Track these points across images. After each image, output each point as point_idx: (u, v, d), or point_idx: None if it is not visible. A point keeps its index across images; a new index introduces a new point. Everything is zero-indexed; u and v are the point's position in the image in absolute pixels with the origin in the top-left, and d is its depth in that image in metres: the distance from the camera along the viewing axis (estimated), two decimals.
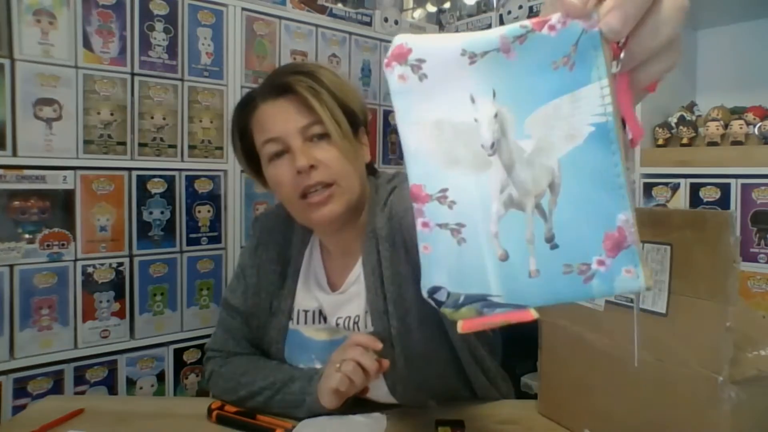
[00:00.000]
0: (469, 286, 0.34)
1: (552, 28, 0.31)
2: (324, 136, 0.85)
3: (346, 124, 0.86)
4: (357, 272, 0.92)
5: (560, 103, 0.32)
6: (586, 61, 0.31)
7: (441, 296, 0.34)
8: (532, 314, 0.34)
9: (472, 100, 0.33)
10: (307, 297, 0.97)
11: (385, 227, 0.87)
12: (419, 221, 0.34)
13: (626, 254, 0.32)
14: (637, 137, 0.33)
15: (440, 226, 0.34)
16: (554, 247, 0.33)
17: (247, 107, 0.92)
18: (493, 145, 0.33)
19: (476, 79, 0.33)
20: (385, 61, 0.34)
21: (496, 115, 0.33)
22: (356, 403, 0.85)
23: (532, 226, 0.33)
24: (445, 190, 0.34)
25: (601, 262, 0.32)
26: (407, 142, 0.34)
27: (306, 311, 0.96)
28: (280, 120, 0.86)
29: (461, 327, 0.34)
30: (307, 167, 0.83)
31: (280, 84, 0.87)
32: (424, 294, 0.34)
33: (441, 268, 0.34)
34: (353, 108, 0.90)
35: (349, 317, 0.91)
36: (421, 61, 0.33)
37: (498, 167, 0.33)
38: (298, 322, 0.96)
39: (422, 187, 0.34)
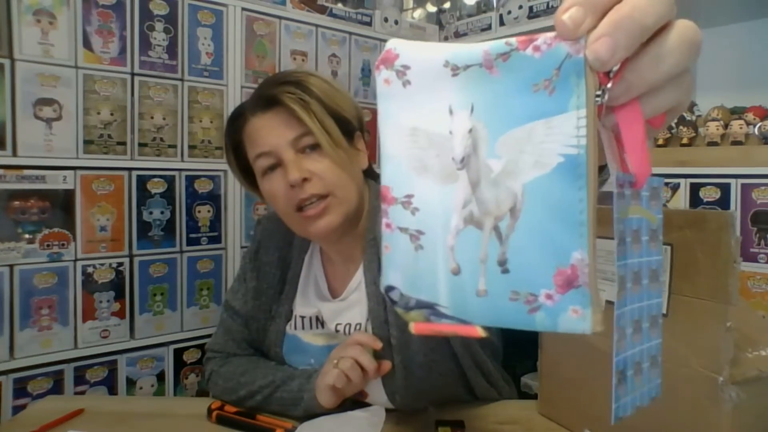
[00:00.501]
0: (420, 291, 0.35)
1: (537, 48, 0.30)
2: (316, 146, 0.84)
3: (337, 133, 0.84)
4: (358, 279, 0.91)
5: (534, 127, 0.31)
6: (566, 87, 0.30)
7: (394, 296, 0.35)
8: (479, 332, 0.34)
9: (450, 112, 0.33)
10: (305, 303, 0.97)
11: None
12: (384, 221, 0.35)
13: (575, 293, 0.32)
14: (640, 176, 0.32)
15: (401, 229, 0.35)
16: (505, 271, 0.33)
17: (237, 121, 0.90)
18: (463, 159, 0.33)
19: (456, 92, 0.33)
20: (376, 63, 0.35)
21: (470, 131, 0.33)
22: (355, 407, 0.85)
23: (486, 246, 0.33)
24: (410, 196, 0.34)
25: (548, 296, 0.32)
26: (384, 143, 0.35)
27: (303, 317, 0.95)
28: (270, 133, 0.85)
29: (413, 328, 0.35)
30: (300, 180, 0.82)
31: (268, 96, 0.85)
32: (381, 289, 0.36)
33: (397, 270, 0.35)
34: (345, 115, 0.87)
35: (350, 324, 0.90)
36: (406, 67, 0.34)
37: (464, 182, 0.33)
38: (295, 327, 0.96)
39: (390, 189, 0.35)
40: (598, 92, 0.30)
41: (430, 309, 0.34)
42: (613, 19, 0.29)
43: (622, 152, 0.33)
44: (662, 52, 0.31)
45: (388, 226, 0.35)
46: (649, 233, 0.35)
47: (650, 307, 0.35)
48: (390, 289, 0.35)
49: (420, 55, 0.34)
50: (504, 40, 0.31)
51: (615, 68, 0.30)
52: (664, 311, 0.66)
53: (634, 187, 0.33)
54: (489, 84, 0.32)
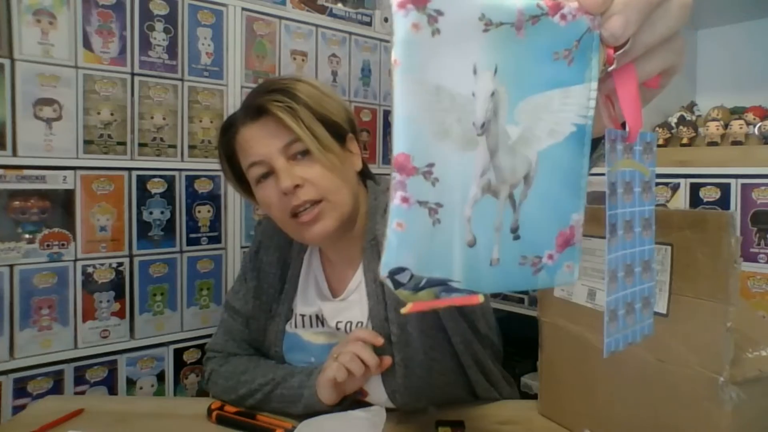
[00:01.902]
0: (433, 269, 0.32)
1: (563, 17, 0.31)
2: (306, 152, 0.84)
3: (327, 138, 0.85)
4: (358, 279, 0.92)
5: (552, 95, 0.32)
6: (583, 59, 0.32)
7: (403, 278, 0.31)
8: (479, 298, 0.34)
9: (474, 72, 0.30)
10: (306, 302, 0.97)
11: (385, 234, 0.87)
12: (398, 195, 0.30)
13: (571, 251, 0.35)
14: (633, 129, 0.34)
15: (420, 203, 0.31)
16: (517, 238, 0.33)
17: (229, 132, 0.91)
18: (483, 125, 0.31)
19: (483, 50, 0.30)
20: (398, 0, 0.28)
21: (492, 94, 0.31)
22: (355, 407, 0.85)
23: (501, 214, 0.33)
24: (432, 165, 0.30)
25: (550, 256, 0.34)
26: (402, 103, 0.29)
27: (304, 315, 0.96)
28: (260, 143, 0.85)
29: (409, 308, 0.33)
30: (292, 188, 0.82)
31: (256, 106, 0.86)
32: (384, 273, 0.31)
33: (411, 249, 0.31)
34: (335, 118, 0.88)
35: (351, 322, 0.91)
36: (440, 13, 0.29)
37: (483, 149, 0.32)
38: (296, 326, 0.96)
39: (411, 157, 0.30)
40: (603, 67, 0.32)
41: (442, 286, 0.32)
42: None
43: (611, 113, 0.35)
44: (656, 18, 0.33)
45: (405, 200, 0.30)
46: (641, 185, 0.37)
47: (642, 253, 0.38)
48: (398, 271, 0.31)
49: (457, 0, 0.29)
50: (536, 1, 0.31)
51: (628, 45, 0.32)
52: (664, 311, 0.66)
53: (627, 141, 0.34)
54: (515, 46, 0.31)
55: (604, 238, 0.78)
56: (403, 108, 0.29)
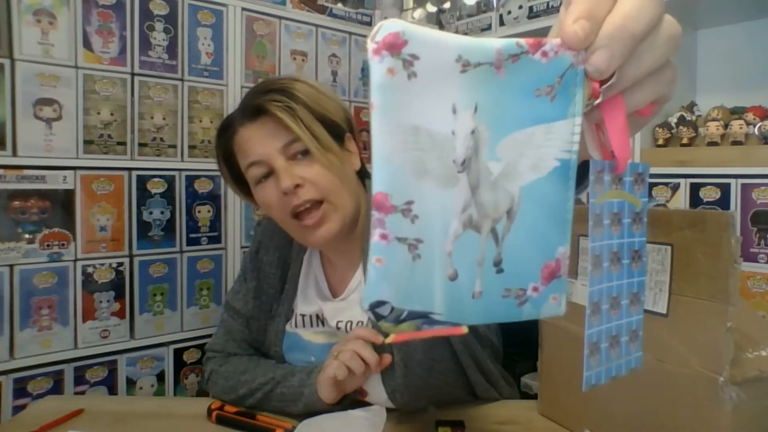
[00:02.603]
0: (413, 302, 0.33)
1: (545, 54, 0.31)
2: (306, 152, 0.84)
3: (326, 137, 0.84)
4: (358, 279, 0.92)
5: (535, 131, 0.32)
6: (567, 95, 0.32)
7: (384, 311, 0.32)
8: (463, 329, 0.34)
9: (454, 111, 0.31)
10: (306, 301, 0.97)
11: None
12: (377, 232, 0.31)
13: (557, 283, 0.35)
14: (621, 160, 0.33)
15: (399, 240, 0.31)
16: (500, 271, 0.34)
17: (227, 132, 0.91)
18: (464, 162, 0.32)
19: (462, 90, 0.31)
20: (373, 47, 0.29)
21: (473, 132, 0.32)
22: (355, 407, 0.85)
23: (484, 249, 0.33)
24: (410, 203, 0.31)
25: (535, 289, 0.35)
26: (380, 144, 0.30)
27: (304, 315, 0.96)
28: (259, 143, 0.85)
29: (392, 339, 0.34)
30: (292, 187, 0.82)
31: (254, 106, 0.85)
32: (365, 306, 0.31)
33: (391, 283, 0.32)
34: (333, 117, 0.88)
35: (351, 321, 0.91)
36: (415, 57, 0.30)
37: (464, 185, 0.32)
38: (296, 326, 0.96)
39: (388, 196, 0.31)
40: (589, 102, 0.32)
41: (423, 318, 0.33)
42: (608, 32, 0.31)
43: (601, 141, 0.35)
44: (643, 51, 0.32)
45: (383, 237, 0.31)
46: (631, 216, 0.37)
47: (630, 285, 0.38)
48: (379, 304, 0.32)
49: (432, 44, 0.30)
50: (515, 40, 0.31)
51: (614, 79, 0.32)
52: (664, 311, 0.66)
53: (615, 171, 0.35)
54: (495, 84, 0.31)
55: None
56: (380, 148, 0.30)
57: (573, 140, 0.32)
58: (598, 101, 0.32)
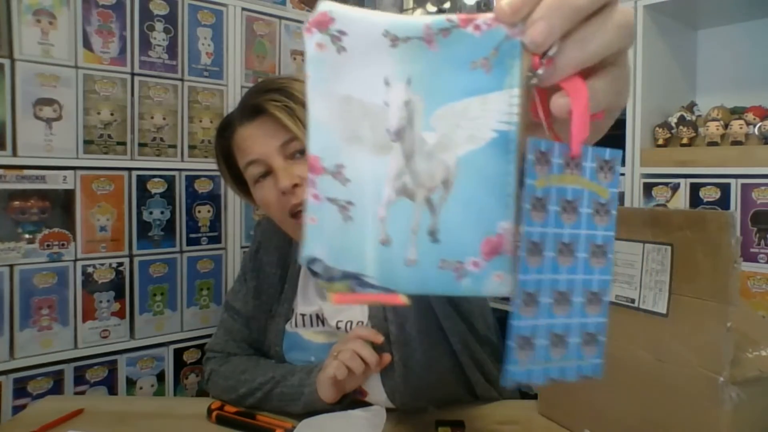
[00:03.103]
0: (346, 262, 0.34)
1: (477, 27, 0.31)
2: (304, 151, 0.84)
3: None
4: None
5: (470, 103, 0.32)
6: (502, 67, 0.31)
7: (317, 268, 0.34)
8: (402, 299, 0.35)
9: (386, 83, 0.33)
10: (306, 301, 0.97)
11: None
12: (310, 192, 0.34)
13: (499, 260, 0.33)
14: (576, 142, 0.32)
15: (330, 200, 0.34)
16: (435, 241, 0.34)
17: (226, 132, 0.91)
18: (398, 131, 0.33)
19: (394, 63, 0.32)
20: (306, 25, 0.33)
21: (406, 103, 0.33)
22: (355, 407, 0.85)
23: (419, 217, 0.34)
24: (341, 167, 0.33)
25: (475, 264, 0.33)
26: (313, 111, 0.33)
27: (304, 315, 0.96)
28: (257, 142, 0.85)
29: (333, 299, 0.35)
30: (291, 187, 0.82)
31: (253, 105, 0.86)
32: (303, 262, 0.34)
33: (323, 241, 0.34)
34: None
35: (351, 321, 0.91)
36: (342, 33, 0.32)
37: (398, 154, 0.33)
38: (296, 325, 0.96)
39: (319, 159, 0.33)
40: (530, 73, 0.31)
41: (355, 279, 0.34)
42: (547, 3, 0.30)
43: (551, 123, 0.34)
44: (588, 33, 0.31)
45: (316, 197, 0.34)
46: (594, 206, 0.34)
47: (588, 283, 0.35)
48: (313, 261, 0.34)
49: (358, 21, 0.32)
50: (445, 16, 0.32)
51: (552, 51, 0.31)
52: (664, 311, 0.66)
53: (571, 155, 0.33)
54: (428, 58, 0.32)
55: None
56: (313, 115, 0.33)
57: (511, 111, 0.32)
58: (539, 73, 0.31)
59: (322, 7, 0.32)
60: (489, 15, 0.31)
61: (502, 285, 0.33)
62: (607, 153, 0.34)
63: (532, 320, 0.33)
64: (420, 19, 0.32)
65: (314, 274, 0.34)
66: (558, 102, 0.31)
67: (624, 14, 0.32)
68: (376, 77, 0.33)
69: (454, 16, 0.32)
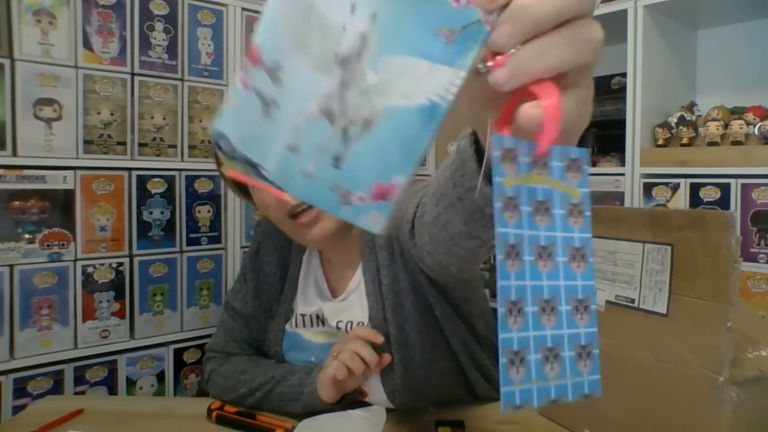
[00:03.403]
0: (251, 151, 0.36)
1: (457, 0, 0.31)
2: None
3: None
4: (357, 280, 0.92)
5: (419, 64, 0.33)
6: (462, 46, 0.31)
7: (223, 144, 0.36)
8: (288, 198, 0.37)
9: (352, 9, 0.32)
10: (306, 301, 0.97)
11: (382, 236, 0.87)
12: (240, 76, 0.34)
13: (382, 204, 0.34)
14: (543, 140, 0.31)
15: (257, 93, 0.34)
16: (337, 166, 0.34)
17: None
18: (344, 59, 0.33)
19: None
20: None
21: (362, 36, 0.33)
22: (355, 407, 0.85)
23: (331, 140, 0.34)
24: (279, 67, 0.34)
25: (360, 198, 0.34)
26: (271, 5, 0.33)
27: (304, 315, 0.96)
28: None
29: (228, 173, 0.36)
30: None
31: None
32: (212, 133, 0.36)
33: (236, 125, 0.35)
34: None
35: (351, 321, 0.91)
36: None
37: (336, 78, 0.33)
38: (296, 325, 0.96)
39: (261, 51, 0.34)
40: (481, 64, 0.32)
41: (253, 168, 0.36)
42: (511, 9, 0.30)
43: (508, 120, 0.34)
44: (547, 45, 0.31)
45: (244, 83, 0.34)
46: (566, 207, 0.33)
47: (572, 289, 0.33)
48: (221, 136, 0.36)
49: None
50: None
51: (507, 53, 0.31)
52: (664, 311, 0.66)
53: (537, 153, 0.32)
54: (399, 4, 0.32)
55: (603, 238, 0.78)
56: (270, 9, 0.33)
57: (449, 89, 0.32)
58: (488, 66, 0.32)
59: None
60: None
61: (375, 223, 0.34)
62: (574, 151, 0.33)
63: (519, 332, 0.32)
64: None
65: (217, 147, 0.36)
66: (528, 112, 0.30)
67: (592, 29, 0.31)
68: (344, 0, 0.32)
69: None
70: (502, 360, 0.31)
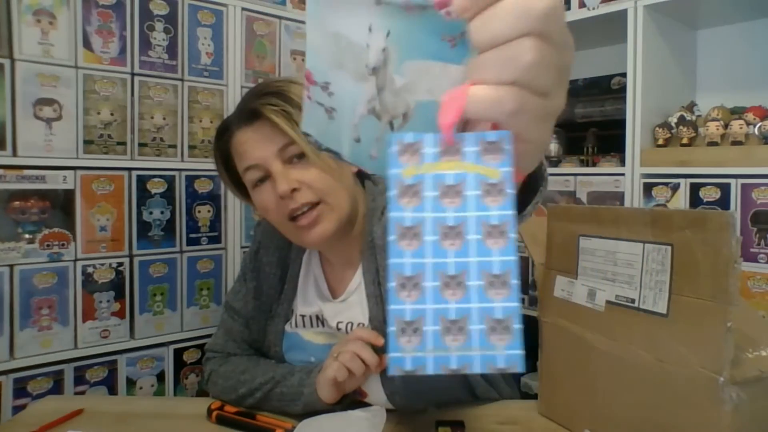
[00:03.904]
0: (330, 143, 0.44)
1: (448, 14, 0.35)
2: (302, 155, 0.84)
3: None
4: (357, 281, 0.92)
5: (433, 65, 0.39)
6: (464, 47, 0.36)
7: (311, 140, 0.43)
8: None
9: (370, 30, 0.38)
10: (306, 302, 0.97)
11: (383, 237, 0.87)
12: (305, 94, 0.42)
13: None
14: (443, 130, 0.35)
15: (318, 103, 0.42)
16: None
17: (224, 136, 0.91)
18: (374, 68, 0.39)
19: (377, 16, 0.38)
20: None
21: (383, 49, 0.39)
22: (355, 407, 0.85)
23: (382, 131, 0.42)
24: (328, 84, 0.41)
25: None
26: (310, 38, 0.40)
27: (304, 315, 0.96)
28: (255, 147, 0.85)
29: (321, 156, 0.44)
30: (289, 191, 0.82)
31: (250, 110, 0.86)
32: (302, 130, 0.43)
33: (314, 126, 0.43)
34: None
35: (351, 322, 0.91)
36: None
37: (372, 84, 0.40)
38: (296, 326, 0.96)
39: (312, 74, 0.41)
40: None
41: (336, 155, 0.44)
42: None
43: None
44: (506, 54, 0.33)
45: (309, 98, 0.42)
46: (482, 187, 0.35)
47: (486, 265, 0.35)
48: (307, 135, 0.43)
49: None
50: None
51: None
52: (664, 311, 0.66)
53: (448, 143, 0.35)
54: (405, 20, 0.37)
55: (603, 238, 0.78)
56: (310, 41, 0.41)
57: (462, 83, 0.36)
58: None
59: None
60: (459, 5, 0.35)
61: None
62: (493, 135, 0.35)
63: (413, 305, 0.34)
64: None
65: (309, 142, 0.43)
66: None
67: (536, 50, 0.32)
68: (362, 24, 0.38)
69: None
70: (392, 329, 0.34)
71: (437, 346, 0.34)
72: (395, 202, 0.35)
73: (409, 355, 0.35)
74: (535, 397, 0.88)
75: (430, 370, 0.35)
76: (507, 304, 0.34)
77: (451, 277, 0.35)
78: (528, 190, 0.52)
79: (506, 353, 0.34)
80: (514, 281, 0.34)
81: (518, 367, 0.34)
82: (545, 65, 0.33)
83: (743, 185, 1.32)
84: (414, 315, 0.34)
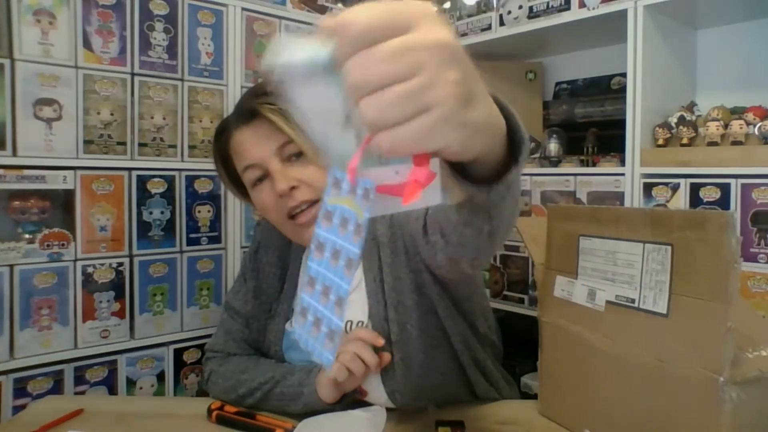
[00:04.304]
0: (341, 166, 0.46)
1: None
2: (300, 153, 0.85)
3: None
4: (358, 279, 0.92)
5: None
6: None
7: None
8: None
9: (335, 95, 0.40)
10: None
11: (386, 234, 0.87)
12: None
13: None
14: (349, 172, 0.41)
15: (331, 149, 0.45)
16: (386, 163, 0.43)
17: (222, 136, 0.92)
18: (346, 118, 0.41)
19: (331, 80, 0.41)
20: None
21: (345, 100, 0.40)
22: (355, 406, 0.85)
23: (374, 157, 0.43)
24: (326, 137, 0.45)
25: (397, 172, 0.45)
26: (302, 114, 0.43)
27: None
28: (254, 145, 0.86)
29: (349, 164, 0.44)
30: (288, 190, 0.83)
31: (248, 109, 0.86)
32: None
33: (338, 159, 0.45)
34: None
35: (351, 321, 0.91)
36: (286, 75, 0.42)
37: (351, 132, 0.43)
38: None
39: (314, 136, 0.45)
40: None
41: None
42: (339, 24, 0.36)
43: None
44: (376, 59, 0.34)
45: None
46: (354, 226, 0.41)
47: (338, 288, 0.42)
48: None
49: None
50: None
51: None
52: (664, 311, 0.66)
53: (351, 182, 0.41)
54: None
55: (603, 238, 0.78)
56: (300, 116, 0.43)
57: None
58: None
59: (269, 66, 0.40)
60: None
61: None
62: (368, 183, 0.41)
63: (309, 298, 0.44)
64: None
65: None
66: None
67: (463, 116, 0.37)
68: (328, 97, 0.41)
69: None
70: (297, 309, 0.47)
71: (308, 332, 0.44)
72: (319, 221, 0.44)
73: (299, 331, 0.45)
74: (535, 397, 0.88)
75: (305, 346, 0.45)
76: (338, 322, 0.42)
77: (326, 288, 0.43)
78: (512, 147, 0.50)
79: (326, 356, 0.42)
80: (344, 308, 0.42)
81: (328, 369, 0.49)
82: (428, 89, 0.35)
83: (743, 185, 1.32)
84: (307, 304, 0.45)
